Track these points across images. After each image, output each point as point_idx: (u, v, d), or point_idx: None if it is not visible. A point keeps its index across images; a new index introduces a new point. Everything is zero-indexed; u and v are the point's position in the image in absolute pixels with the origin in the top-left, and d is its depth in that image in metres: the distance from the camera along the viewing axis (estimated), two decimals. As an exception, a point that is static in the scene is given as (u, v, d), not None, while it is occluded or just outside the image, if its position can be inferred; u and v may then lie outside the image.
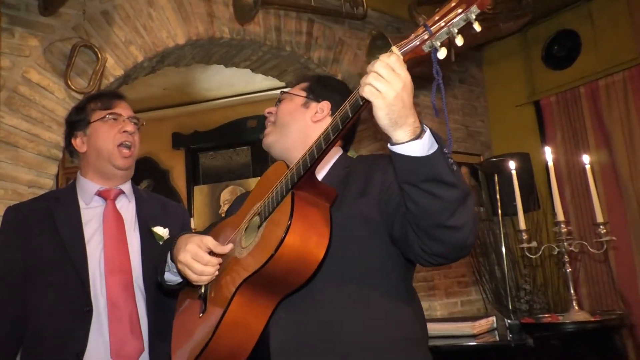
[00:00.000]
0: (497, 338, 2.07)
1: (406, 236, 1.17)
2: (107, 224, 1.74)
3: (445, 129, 1.04)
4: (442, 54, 0.97)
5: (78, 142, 1.79)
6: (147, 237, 1.78)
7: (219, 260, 1.32)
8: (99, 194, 1.78)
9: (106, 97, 1.83)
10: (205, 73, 4.80)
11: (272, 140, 1.48)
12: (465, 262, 3.91)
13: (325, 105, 1.46)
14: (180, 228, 1.88)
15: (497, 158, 3.88)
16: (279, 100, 1.53)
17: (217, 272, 1.32)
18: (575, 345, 2.18)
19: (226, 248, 1.32)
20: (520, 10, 3.40)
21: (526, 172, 3.83)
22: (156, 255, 1.68)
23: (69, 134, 1.82)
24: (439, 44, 0.95)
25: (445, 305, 3.73)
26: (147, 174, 5.34)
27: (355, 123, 1.48)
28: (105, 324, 1.63)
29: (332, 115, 1.46)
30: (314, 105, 1.47)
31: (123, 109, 1.79)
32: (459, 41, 0.94)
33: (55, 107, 2.42)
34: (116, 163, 1.74)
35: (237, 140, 5.31)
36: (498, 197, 3.77)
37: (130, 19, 2.73)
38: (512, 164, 2.76)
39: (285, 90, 1.55)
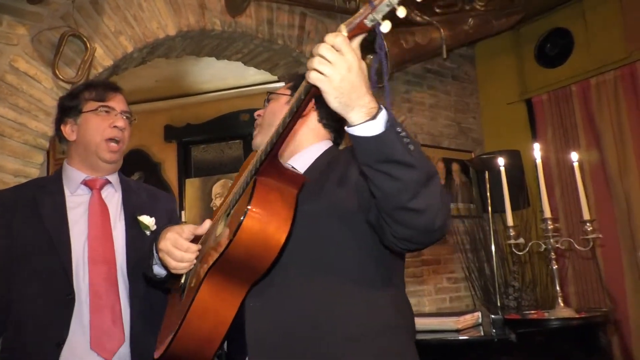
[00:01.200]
0: (482, 333, 2.07)
1: (379, 222, 1.17)
2: (92, 214, 1.73)
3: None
4: (385, 27, 0.95)
5: (67, 130, 1.77)
6: (132, 226, 1.77)
7: (198, 247, 1.34)
8: (85, 183, 1.77)
9: (102, 88, 1.79)
10: (197, 66, 4.78)
11: (259, 141, 1.49)
12: (455, 258, 3.92)
13: None
14: (168, 217, 1.88)
15: (488, 155, 3.89)
16: (267, 101, 1.54)
17: (195, 260, 1.33)
18: (560, 341, 2.19)
19: (204, 227, 1.34)
20: (512, 8, 3.41)
21: (516, 170, 3.84)
22: (144, 246, 1.68)
23: (60, 119, 1.80)
24: (381, 17, 0.94)
25: (434, 301, 3.74)
26: (138, 167, 5.31)
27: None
28: (86, 314, 1.62)
29: (316, 108, 1.47)
30: None
31: (117, 103, 1.77)
32: (401, 12, 0.92)
33: (42, 97, 2.40)
34: (102, 156, 1.73)
35: (230, 133, 5.30)
36: (488, 194, 3.78)
37: (120, 9, 2.71)
38: (501, 161, 2.77)
39: (271, 91, 1.56)
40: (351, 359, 1.17)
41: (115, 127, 1.72)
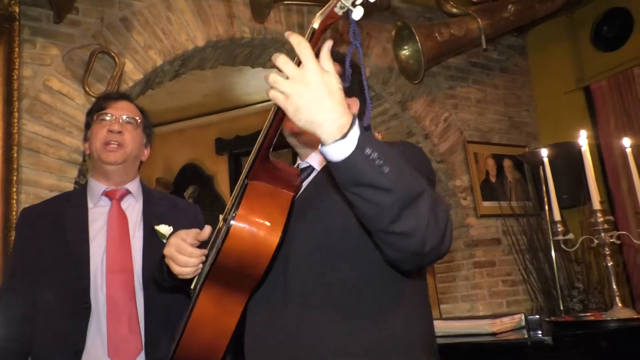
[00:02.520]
0: (527, 337, 1.91)
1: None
2: (110, 224, 1.75)
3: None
4: (357, 14, 0.88)
5: (86, 145, 1.83)
6: (150, 236, 1.77)
7: (204, 251, 1.30)
8: (105, 194, 1.80)
9: (104, 99, 1.84)
10: (243, 78, 4.85)
11: None
12: (510, 260, 3.70)
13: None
14: (190, 226, 1.88)
15: (542, 149, 3.64)
16: None
17: (201, 265, 1.29)
18: (616, 344, 1.98)
19: (205, 233, 1.30)
20: (556, -11, 3.19)
21: (575, 163, 3.57)
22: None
23: (84, 138, 1.88)
24: (351, 3, 0.87)
25: (489, 306, 3.53)
26: (192, 181, 5.45)
27: None
28: (104, 323, 1.64)
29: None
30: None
31: (116, 109, 1.79)
32: None
33: (75, 113, 2.50)
34: (103, 158, 1.75)
35: (279, 142, 5.31)
36: (544, 189, 3.54)
37: (149, 24, 2.78)
38: (544, 152, 2.57)
39: None
40: None
41: (110, 131, 1.74)
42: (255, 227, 1.07)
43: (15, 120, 2.29)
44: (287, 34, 0.90)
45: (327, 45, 0.93)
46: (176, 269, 1.29)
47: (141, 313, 1.68)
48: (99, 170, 1.80)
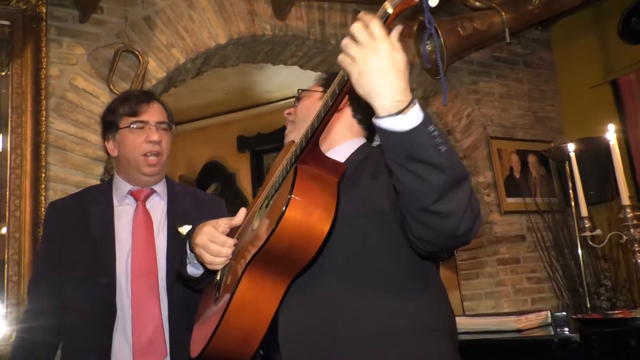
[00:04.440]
0: (553, 334, 1.87)
1: (403, 219, 1.10)
2: (135, 227, 1.74)
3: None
4: (433, 1, 0.90)
5: (110, 146, 1.79)
6: (174, 236, 1.76)
7: (235, 240, 1.30)
8: (131, 193, 1.79)
9: (134, 101, 1.76)
10: (263, 75, 4.86)
11: (294, 138, 1.44)
12: (535, 256, 3.64)
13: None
14: (215, 218, 1.87)
15: (568, 144, 3.57)
16: (298, 100, 1.50)
17: (231, 255, 1.30)
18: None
19: (239, 217, 1.31)
20: (583, -19, 3.12)
21: (601, 158, 3.50)
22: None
23: (103, 135, 1.83)
24: None
25: (514, 303, 3.48)
26: (214, 178, 5.49)
27: None
28: (129, 326, 1.64)
29: (350, 104, 1.43)
30: None
31: (150, 115, 1.74)
32: None
33: (100, 111, 2.48)
34: (143, 170, 1.73)
35: (275, 146, 5.30)
36: (571, 185, 3.47)
37: (172, 22, 2.80)
38: (570, 147, 2.52)
39: (302, 88, 1.53)
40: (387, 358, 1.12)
41: (149, 141, 1.71)
42: (309, 210, 1.07)
43: (43, 119, 2.33)
44: (360, 14, 0.94)
45: (398, 28, 0.96)
46: (208, 257, 1.29)
47: (165, 316, 1.68)
48: (130, 175, 1.77)
